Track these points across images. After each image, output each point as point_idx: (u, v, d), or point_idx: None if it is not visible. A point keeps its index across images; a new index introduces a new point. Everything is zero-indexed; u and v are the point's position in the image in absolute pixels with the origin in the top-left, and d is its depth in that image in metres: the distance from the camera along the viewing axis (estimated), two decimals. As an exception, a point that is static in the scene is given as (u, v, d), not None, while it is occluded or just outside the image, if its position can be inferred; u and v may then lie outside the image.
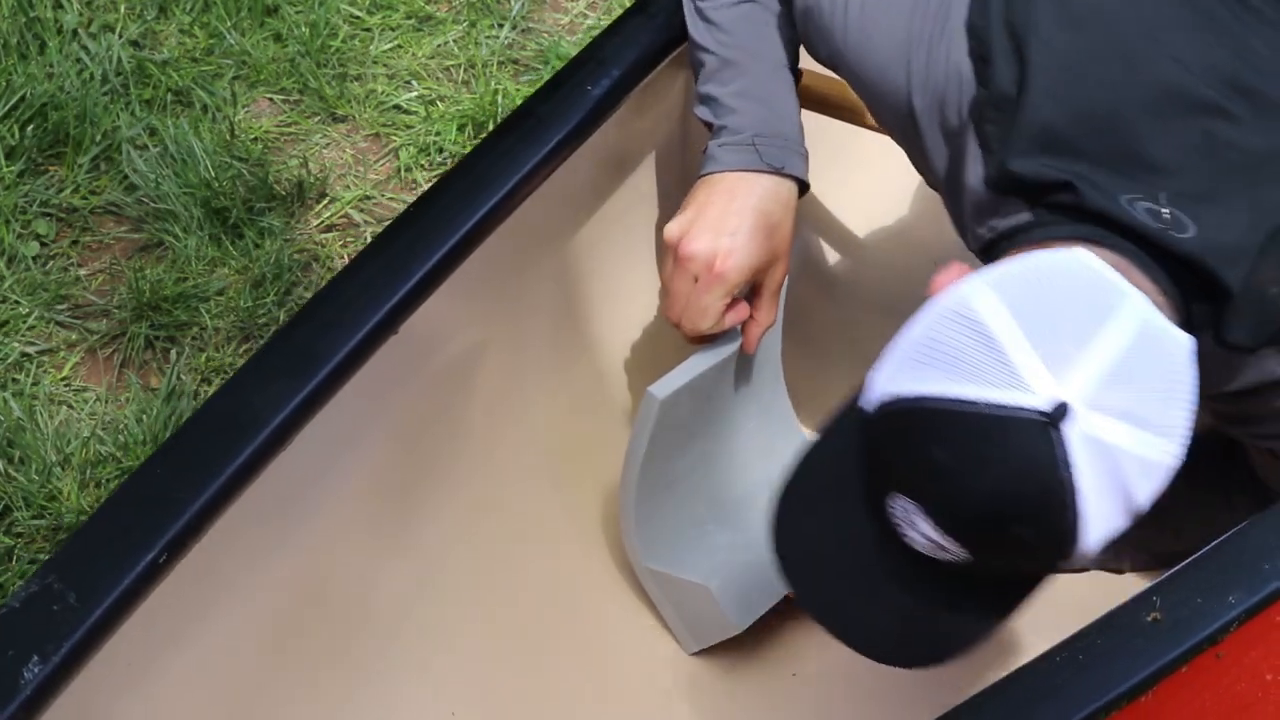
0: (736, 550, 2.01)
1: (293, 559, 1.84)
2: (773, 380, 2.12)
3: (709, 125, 2.00)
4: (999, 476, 1.48)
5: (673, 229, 1.93)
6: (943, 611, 1.61)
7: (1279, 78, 1.71)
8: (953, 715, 1.60)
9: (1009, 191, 1.71)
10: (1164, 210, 1.63)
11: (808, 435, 2.13)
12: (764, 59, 1.99)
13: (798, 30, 1.97)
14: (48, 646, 1.55)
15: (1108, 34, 1.74)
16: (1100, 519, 1.50)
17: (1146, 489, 1.53)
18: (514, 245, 1.99)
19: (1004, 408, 1.47)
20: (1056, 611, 1.96)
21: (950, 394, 1.49)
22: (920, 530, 1.55)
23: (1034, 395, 1.46)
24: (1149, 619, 1.61)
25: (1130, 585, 1.73)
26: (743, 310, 1.95)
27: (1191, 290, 1.65)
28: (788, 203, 1.96)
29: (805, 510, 1.66)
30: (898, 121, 1.85)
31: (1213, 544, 1.70)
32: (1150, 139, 1.67)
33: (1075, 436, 1.47)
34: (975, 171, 1.76)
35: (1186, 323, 1.65)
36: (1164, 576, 1.67)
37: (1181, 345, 1.55)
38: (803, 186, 1.98)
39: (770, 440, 2.12)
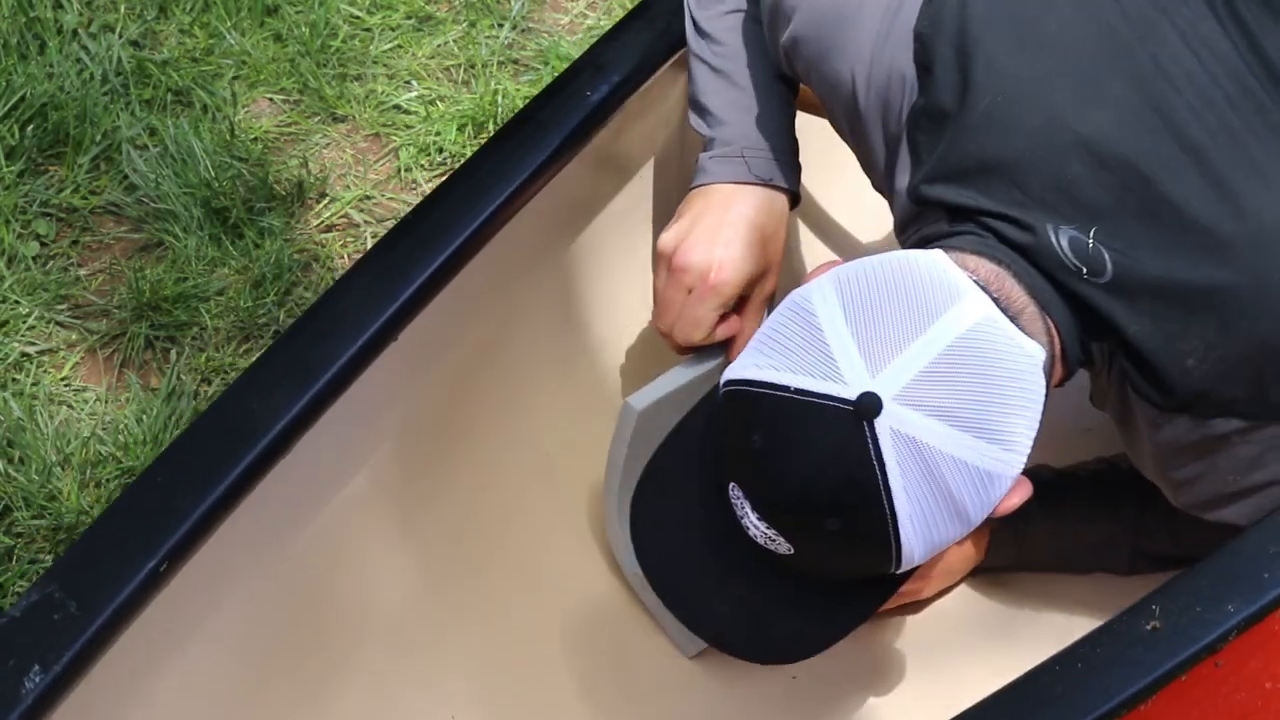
0: None
1: (293, 566, 1.84)
2: None
3: (699, 135, 2.00)
4: (809, 463, 1.53)
5: (667, 239, 1.93)
6: (789, 609, 1.65)
7: (1223, 135, 1.67)
8: (952, 724, 1.61)
9: (929, 208, 1.73)
10: (1089, 244, 1.63)
11: None
12: (755, 70, 1.99)
13: (763, 25, 1.96)
14: (49, 656, 1.55)
15: (1058, 66, 1.70)
16: (917, 519, 1.55)
17: (974, 496, 1.56)
18: (513, 251, 1.99)
19: (818, 396, 1.52)
20: (1056, 618, 1.98)
21: (773, 380, 1.55)
22: (751, 520, 1.59)
23: (846, 386, 1.51)
24: (1148, 628, 1.61)
25: (1134, 590, 1.73)
26: (734, 324, 1.94)
27: (1091, 328, 1.66)
28: (780, 215, 1.95)
29: (664, 493, 1.71)
30: (847, 118, 1.84)
31: (1212, 553, 1.71)
32: (1084, 180, 1.66)
33: (884, 430, 1.51)
34: (903, 179, 1.76)
35: (1081, 357, 1.67)
36: (1162, 585, 1.67)
37: (1028, 356, 1.57)
38: (794, 198, 1.98)
39: None
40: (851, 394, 1.51)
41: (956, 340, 1.54)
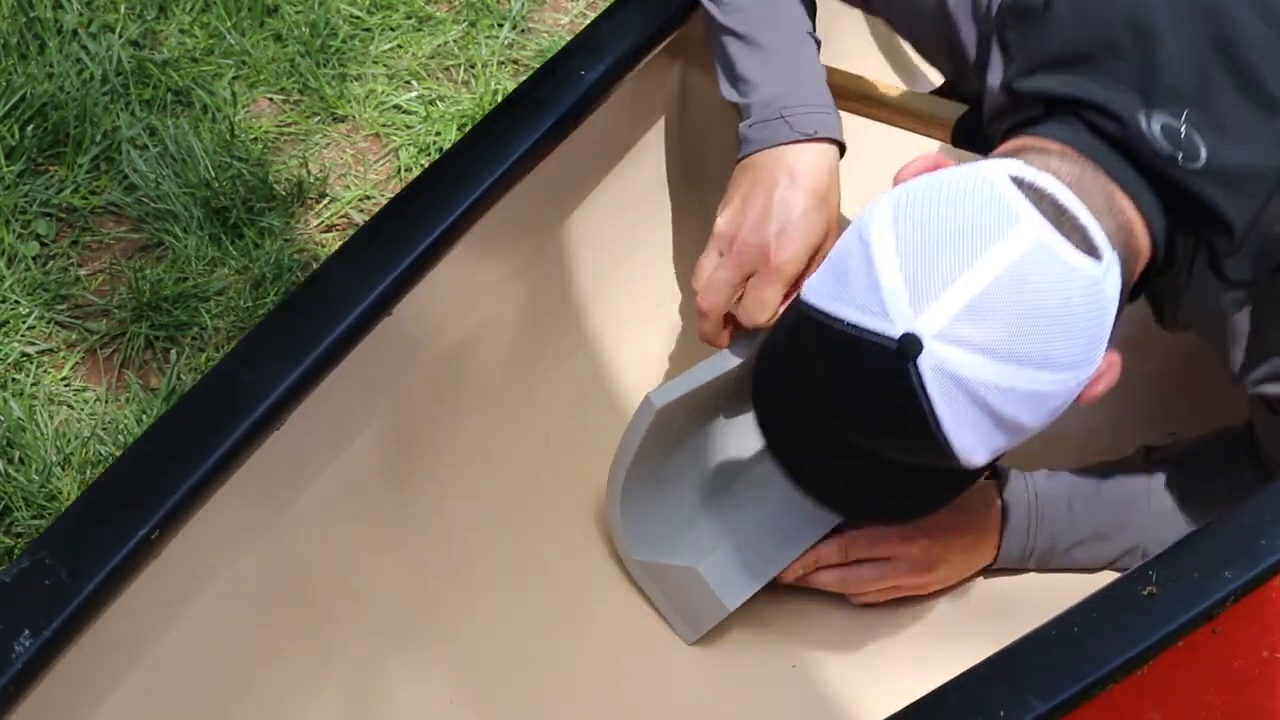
0: (724, 535, 2.01)
1: (287, 541, 1.84)
2: None
3: (737, 108, 1.98)
4: (860, 394, 1.60)
5: (723, 223, 1.92)
6: (889, 480, 1.70)
7: None
8: (948, 688, 1.60)
9: (1022, 101, 1.74)
10: (1182, 130, 1.65)
11: None
12: (782, 27, 1.98)
13: None
14: (39, 621, 1.54)
15: None
16: (970, 438, 1.60)
17: (1028, 413, 1.60)
18: (509, 230, 1.99)
19: (866, 332, 1.57)
20: (1052, 584, 1.97)
21: (830, 310, 1.60)
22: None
23: (891, 324, 1.56)
24: (1145, 593, 1.61)
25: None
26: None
27: (1185, 218, 1.67)
28: (830, 167, 1.94)
29: (776, 374, 1.73)
30: (934, 23, 1.87)
31: (1211, 519, 1.70)
32: (1173, 63, 1.67)
33: (927, 367, 1.55)
34: (995, 76, 1.79)
35: (1167, 251, 1.69)
36: (1161, 551, 1.67)
37: (1084, 277, 1.58)
38: (841, 148, 1.96)
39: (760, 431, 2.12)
40: (895, 332, 1.56)
41: (1003, 274, 1.55)
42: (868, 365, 1.58)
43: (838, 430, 1.65)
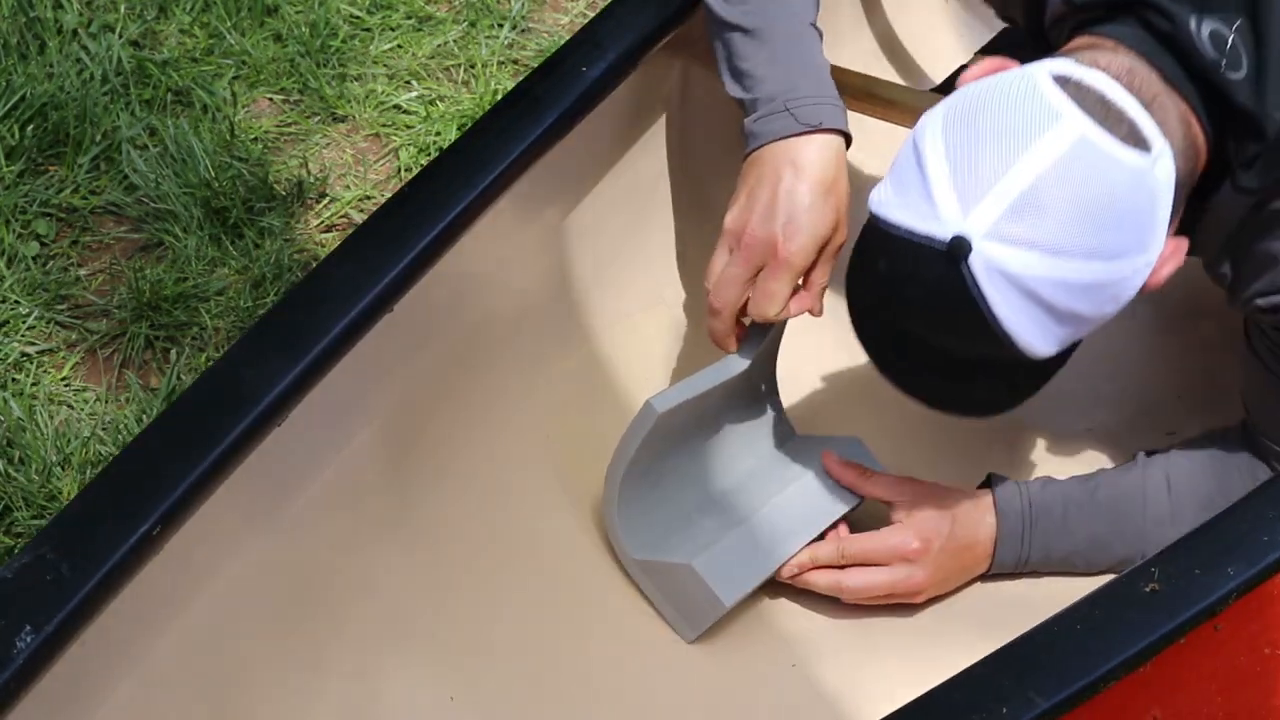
0: (720, 532, 2.01)
1: (288, 536, 1.84)
2: (766, 373, 2.11)
3: (742, 104, 1.98)
4: (919, 295, 1.68)
5: (732, 219, 1.93)
6: (975, 375, 1.77)
7: None
8: (951, 685, 1.60)
9: (1083, 5, 1.80)
10: (1230, 38, 1.70)
11: (797, 430, 2.12)
12: (785, 21, 1.98)
13: None
14: (40, 617, 1.54)
15: None
16: (1032, 332, 1.67)
17: (1086, 303, 1.66)
18: (510, 227, 1.99)
19: (920, 236, 1.65)
20: (1051, 585, 1.97)
21: (889, 217, 1.69)
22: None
23: (942, 227, 1.64)
24: (1147, 589, 1.61)
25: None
26: (804, 300, 1.94)
27: (1222, 127, 1.73)
28: (837, 159, 1.95)
29: (855, 288, 1.80)
30: None
31: (1212, 517, 1.70)
32: None
33: (979, 267, 1.62)
34: None
35: (1217, 155, 1.75)
36: (1163, 549, 1.67)
37: (1131, 169, 1.64)
38: (847, 139, 1.97)
39: (757, 432, 2.11)
40: (946, 235, 1.63)
41: (1045, 170, 1.62)
42: (925, 269, 1.65)
43: (911, 329, 1.73)
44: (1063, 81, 1.66)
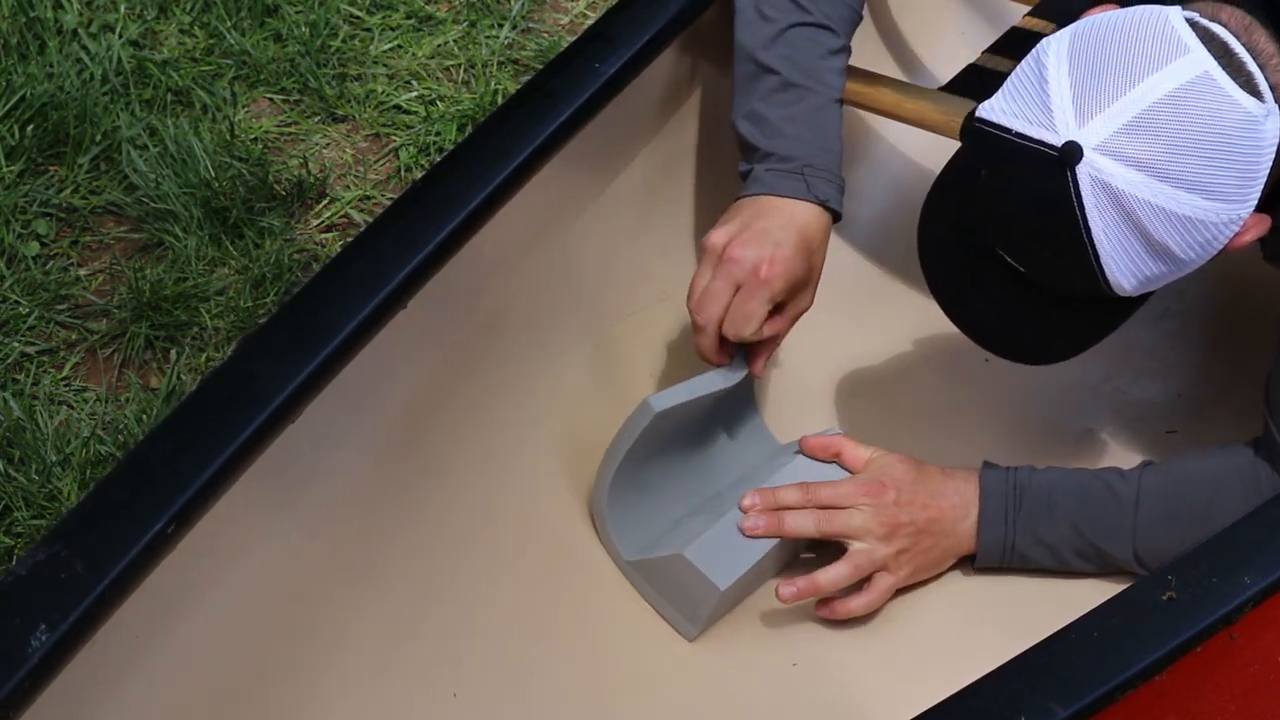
0: (708, 523, 2.01)
1: (300, 533, 1.83)
2: (749, 385, 2.12)
3: (748, 144, 2.02)
4: (1017, 200, 1.72)
5: (717, 236, 1.95)
6: (1035, 317, 1.82)
7: None
8: (968, 692, 1.59)
9: None
10: None
11: (777, 438, 2.13)
12: (824, 86, 2.04)
13: None
14: (55, 615, 1.54)
15: None
16: (1118, 255, 1.72)
17: (1176, 238, 1.70)
18: (517, 225, 1.99)
19: (1032, 141, 1.70)
20: (1060, 607, 1.96)
21: (1001, 122, 1.73)
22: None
23: (1055, 134, 1.69)
24: (1163, 598, 1.61)
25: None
26: (777, 324, 1.97)
27: None
28: (826, 234, 2.00)
29: (940, 209, 1.87)
30: None
31: (1229, 525, 1.70)
32: None
33: (1084, 177, 1.67)
34: None
35: None
36: (1180, 557, 1.67)
37: (1245, 112, 1.69)
38: (836, 217, 2.02)
39: (745, 440, 2.12)
40: (1059, 141, 1.68)
41: (1165, 96, 1.67)
42: (1029, 171, 1.70)
43: (997, 242, 1.77)
44: (1192, 23, 1.70)
